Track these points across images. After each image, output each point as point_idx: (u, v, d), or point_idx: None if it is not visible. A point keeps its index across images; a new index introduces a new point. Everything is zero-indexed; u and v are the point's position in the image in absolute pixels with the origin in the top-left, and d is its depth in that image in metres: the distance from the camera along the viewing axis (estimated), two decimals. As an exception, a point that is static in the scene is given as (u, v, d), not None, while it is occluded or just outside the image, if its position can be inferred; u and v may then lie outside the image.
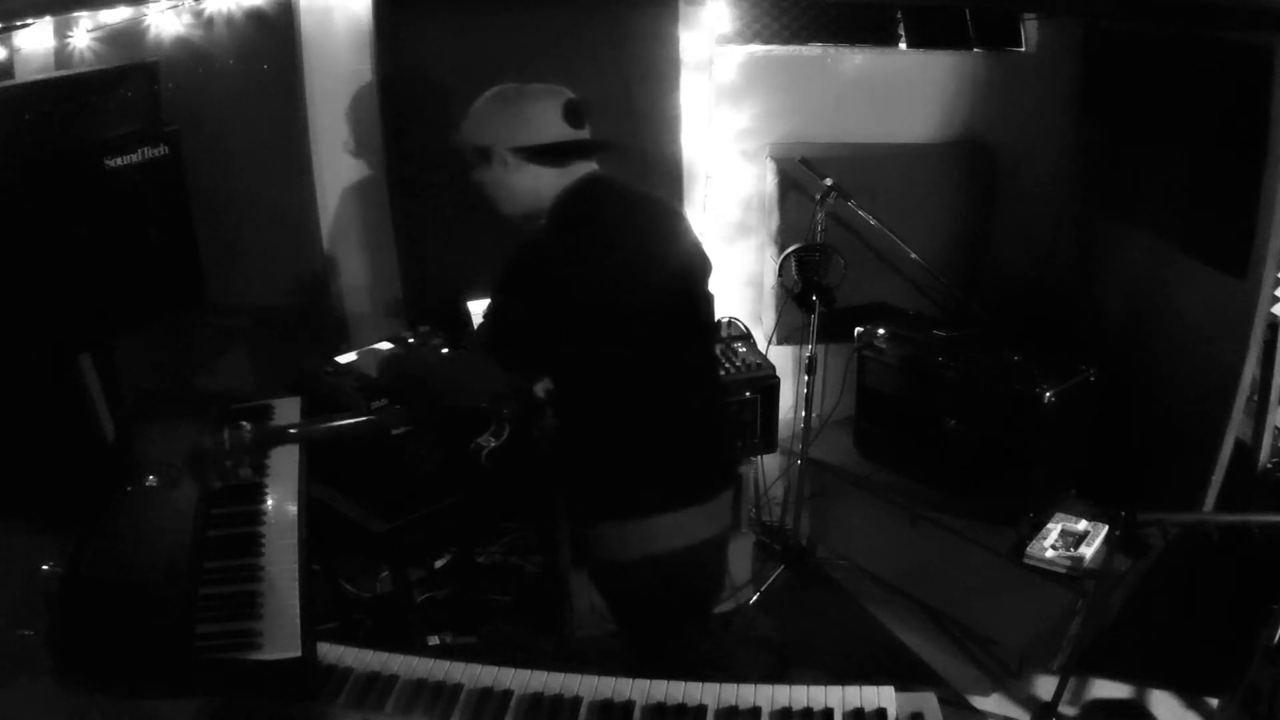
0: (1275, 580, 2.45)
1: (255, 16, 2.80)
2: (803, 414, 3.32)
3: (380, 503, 2.49)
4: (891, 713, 1.47)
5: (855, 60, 3.44)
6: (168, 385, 2.97)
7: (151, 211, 2.35)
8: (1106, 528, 2.85)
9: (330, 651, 1.57)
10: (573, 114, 1.92)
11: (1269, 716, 2.30)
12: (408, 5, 2.95)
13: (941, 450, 3.16)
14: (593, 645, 2.92)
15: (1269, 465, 2.84)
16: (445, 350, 2.63)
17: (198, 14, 2.69)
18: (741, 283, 3.62)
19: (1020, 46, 3.56)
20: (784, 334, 3.50)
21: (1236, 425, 2.84)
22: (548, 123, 1.90)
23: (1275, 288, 2.71)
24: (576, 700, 1.51)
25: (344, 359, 2.63)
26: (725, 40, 3.32)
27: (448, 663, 1.57)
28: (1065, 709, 2.68)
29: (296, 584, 1.61)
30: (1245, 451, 2.86)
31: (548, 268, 1.85)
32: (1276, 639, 2.31)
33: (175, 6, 2.64)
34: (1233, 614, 2.57)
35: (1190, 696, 2.73)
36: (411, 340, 2.76)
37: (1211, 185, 2.88)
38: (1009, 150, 3.58)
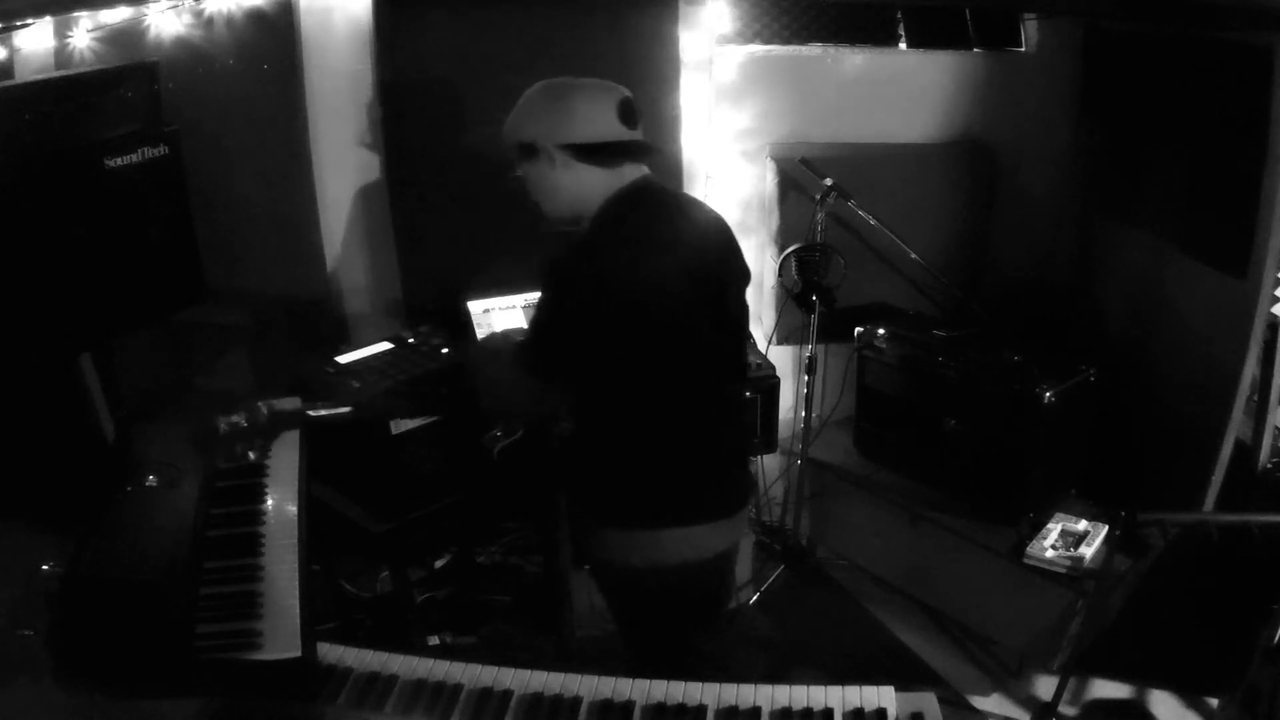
0: (1275, 580, 2.45)
1: (255, 16, 2.80)
2: (803, 414, 3.32)
3: (380, 503, 2.49)
4: (891, 713, 1.47)
5: (855, 60, 3.44)
6: (168, 385, 2.97)
7: (151, 211, 2.34)
8: (1106, 528, 2.85)
9: (330, 651, 1.57)
10: (627, 113, 1.83)
11: (1269, 716, 2.30)
12: (408, 5, 2.95)
13: (941, 450, 3.16)
14: (593, 645, 2.91)
15: (1269, 465, 2.85)
16: (447, 350, 2.63)
17: (198, 14, 2.69)
18: (742, 283, 3.62)
19: (1020, 46, 3.56)
20: (784, 334, 3.51)
21: (1236, 425, 2.84)
22: (602, 120, 1.80)
23: (1275, 288, 2.71)
24: (576, 700, 1.51)
25: (344, 359, 2.64)
26: (725, 40, 3.32)
27: (448, 663, 1.57)
28: (1065, 709, 2.68)
29: (296, 584, 1.61)
30: (1245, 451, 2.86)
31: (594, 273, 1.77)
32: (1276, 639, 2.31)
33: (175, 6, 2.64)
34: (1233, 614, 2.57)
35: (1190, 696, 2.73)
36: (412, 340, 2.76)
37: (1211, 185, 2.88)
38: (1009, 150, 3.58)
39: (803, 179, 3.34)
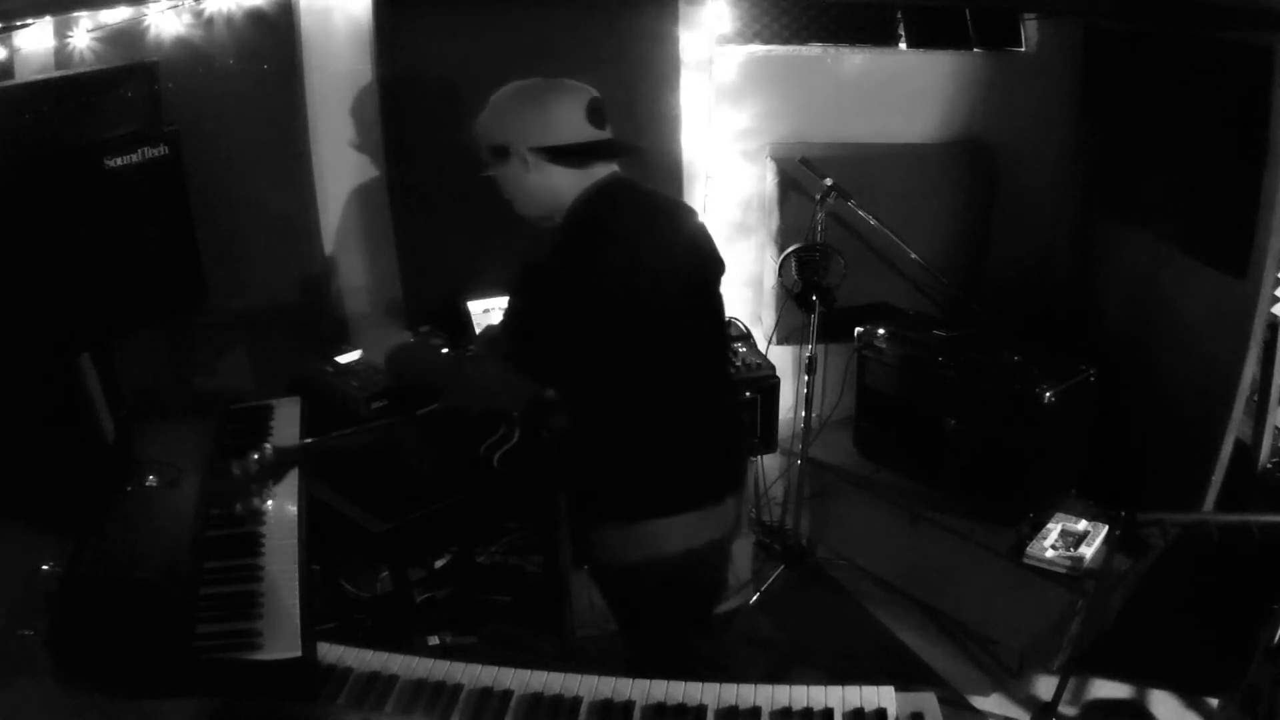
0: (1275, 580, 2.45)
1: (255, 16, 2.80)
2: (803, 414, 3.32)
3: (380, 503, 2.50)
4: (891, 713, 1.47)
5: (855, 60, 3.44)
6: (168, 385, 2.97)
7: (151, 211, 2.34)
8: (1106, 528, 2.85)
9: (330, 651, 1.57)
10: (596, 114, 1.86)
11: (1269, 716, 2.30)
12: (408, 5, 2.95)
13: (941, 450, 3.16)
14: (593, 645, 2.92)
15: (1269, 465, 2.85)
16: (446, 350, 2.63)
17: (198, 14, 2.69)
18: (741, 283, 3.62)
19: (1020, 46, 3.56)
20: (784, 334, 3.50)
21: (1236, 425, 2.84)
22: (571, 122, 1.83)
23: (1275, 288, 2.71)
24: (576, 700, 1.51)
25: (344, 359, 2.64)
26: (725, 40, 3.32)
27: (448, 663, 1.57)
28: (1065, 709, 2.68)
29: (296, 584, 1.61)
30: (1245, 451, 2.86)
31: (568, 269, 1.80)
32: (1276, 639, 2.31)
33: (175, 6, 2.64)
34: (1233, 614, 2.57)
35: (1190, 696, 2.73)
36: (412, 339, 2.76)
37: (1211, 185, 2.88)
38: (1009, 150, 3.58)
39: (803, 179, 3.34)
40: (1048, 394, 2.88)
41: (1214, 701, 2.70)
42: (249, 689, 1.43)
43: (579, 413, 2.00)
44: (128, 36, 2.57)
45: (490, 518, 3.37)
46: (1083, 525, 2.88)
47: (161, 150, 2.34)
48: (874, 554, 3.41)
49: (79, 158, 2.17)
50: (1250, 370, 2.78)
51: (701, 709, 1.50)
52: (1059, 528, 2.88)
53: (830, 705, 1.49)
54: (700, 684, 1.54)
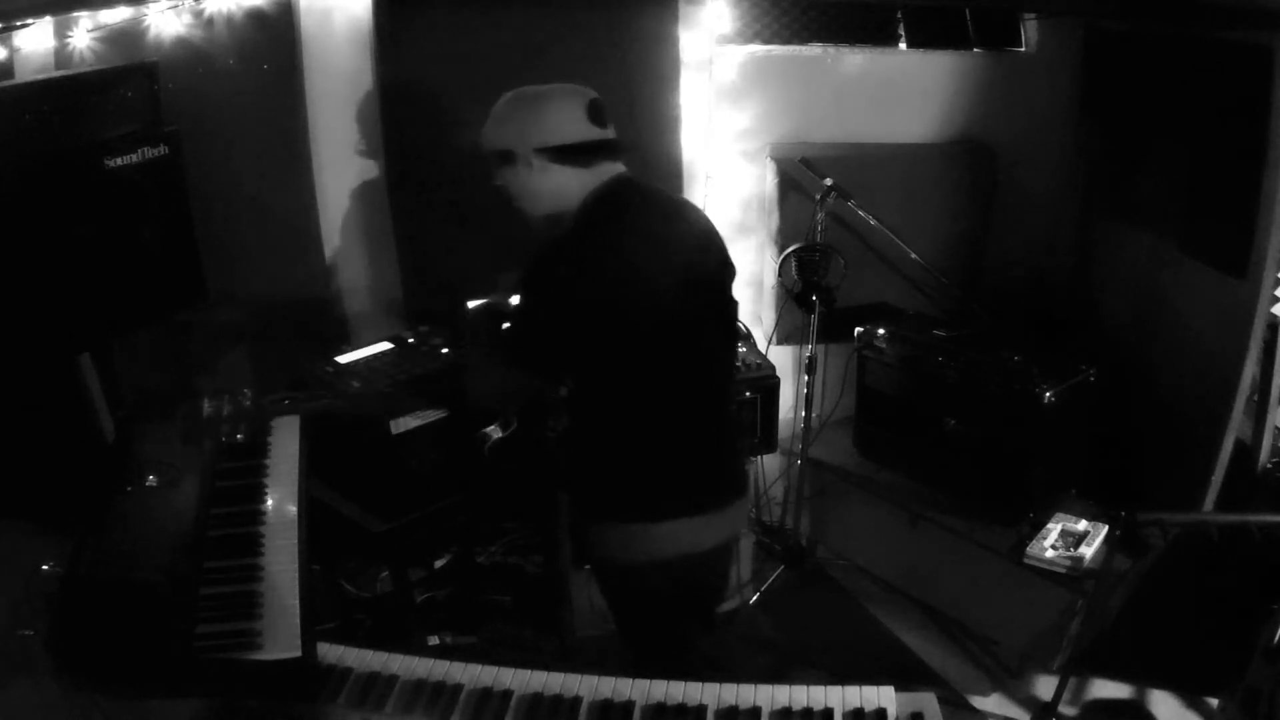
0: (1275, 580, 2.45)
1: (255, 16, 2.80)
2: (803, 414, 3.32)
3: (380, 503, 2.49)
4: (891, 713, 1.47)
5: (855, 60, 3.44)
6: (168, 385, 2.97)
7: (151, 211, 2.34)
8: (1106, 528, 2.85)
9: (330, 651, 1.57)
10: (596, 113, 1.89)
11: (1269, 716, 2.30)
12: (408, 5, 2.95)
13: (941, 450, 3.16)
14: (593, 645, 2.92)
15: (1269, 465, 2.85)
16: (447, 350, 2.63)
17: (198, 14, 2.69)
18: (741, 283, 3.57)
19: (1020, 46, 3.56)
20: (784, 334, 3.50)
21: (1236, 425, 2.84)
22: (571, 122, 1.86)
23: (1275, 288, 2.71)
24: (576, 700, 1.51)
25: (344, 359, 2.64)
26: (725, 40, 3.32)
27: (448, 663, 1.57)
28: (1065, 709, 2.68)
29: (296, 584, 1.61)
30: (1245, 451, 2.86)
31: (577, 270, 1.81)
32: (1276, 639, 2.31)
33: (175, 6, 2.64)
34: (1233, 614, 2.57)
35: (1190, 696, 2.73)
36: (412, 340, 2.76)
37: (1211, 185, 2.88)
38: (1009, 150, 3.58)
39: (803, 179, 3.34)
40: (1048, 394, 2.88)
41: (1214, 701, 2.70)
42: (249, 689, 1.42)
43: (585, 412, 1.99)
44: (128, 36, 2.57)
45: (490, 518, 3.37)
46: (1083, 525, 2.88)
47: (161, 150, 2.34)
48: (874, 554, 3.41)
49: (79, 158, 2.17)
50: (1250, 370, 2.78)
51: (701, 709, 1.50)
52: (1059, 528, 2.88)
53: (830, 705, 1.49)
54: (700, 684, 1.54)
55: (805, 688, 1.53)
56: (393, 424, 2.43)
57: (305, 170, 3.06)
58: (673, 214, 1.97)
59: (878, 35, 3.45)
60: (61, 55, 2.47)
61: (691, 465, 1.95)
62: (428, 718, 1.47)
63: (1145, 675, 2.78)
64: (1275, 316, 2.74)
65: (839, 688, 1.52)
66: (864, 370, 3.39)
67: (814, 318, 3.17)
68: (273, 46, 2.89)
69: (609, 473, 1.95)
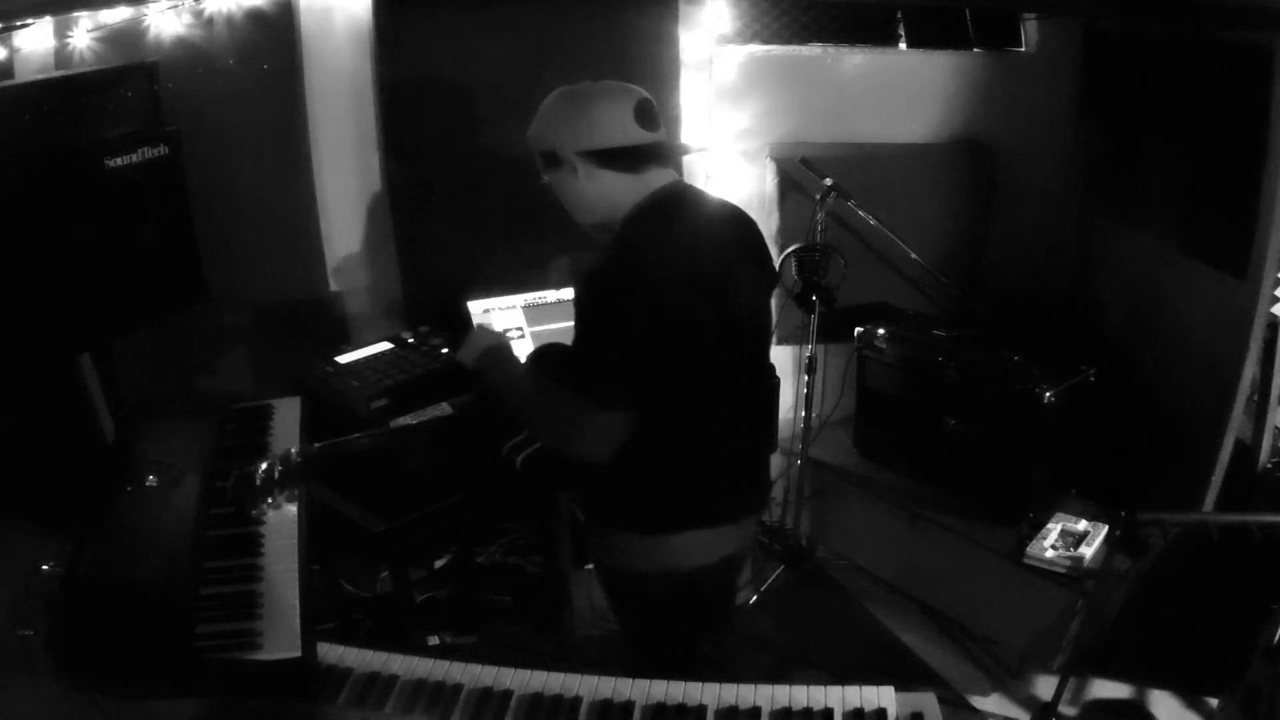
0: (1275, 580, 2.45)
1: (255, 16, 2.80)
2: (803, 414, 3.32)
3: (380, 503, 2.49)
4: (891, 713, 1.47)
5: (855, 60, 3.44)
6: (168, 385, 2.97)
7: (151, 211, 2.35)
8: (1106, 528, 2.85)
9: (330, 651, 1.57)
10: (645, 114, 1.77)
11: (1269, 716, 2.30)
12: (408, 5, 2.95)
13: (941, 450, 3.15)
14: (593, 645, 2.91)
15: (1269, 465, 2.84)
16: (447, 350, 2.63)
17: (198, 14, 2.69)
18: (741, 283, 3.62)
19: (1020, 46, 3.56)
20: (784, 334, 3.50)
21: (1236, 425, 2.84)
22: (619, 125, 1.74)
23: (1275, 288, 2.71)
24: (576, 700, 1.51)
25: (344, 359, 2.64)
26: (725, 40, 3.32)
27: (448, 663, 1.57)
28: (1065, 709, 2.68)
29: (296, 584, 1.60)
30: (1245, 451, 2.86)
31: (649, 284, 1.69)
32: (1276, 639, 2.31)
33: (175, 6, 2.64)
34: (1233, 614, 2.57)
35: (1190, 696, 2.73)
36: (412, 340, 2.76)
37: (1211, 185, 2.88)
38: (1009, 150, 3.58)
39: (803, 179, 3.34)
40: (1048, 394, 2.88)
41: (1214, 701, 2.69)
42: (249, 689, 1.42)
43: None
44: (128, 36, 2.57)
45: (490, 518, 3.37)
46: (1083, 525, 2.88)
47: (161, 150, 2.35)
48: (874, 554, 3.41)
49: (79, 158, 2.17)
50: (1250, 370, 2.78)
51: (701, 709, 1.50)
52: (1059, 528, 2.88)
53: (830, 705, 1.49)
54: (700, 684, 1.54)
55: (805, 688, 1.52)
56: (391, 423, 2.43)
57: (305, 170, 3.06)
58: (726, 225, 1.88)
59: (878, 35, 3.45)
60: (61, 55, 2.48)
61: (715, 477, 1.89)
62: (428, 718, 1.47)
63: (1145, 675, 2.78)
64: (1275, 316, 2.74)
65: (839, 688, 1.52)
66: (864, 370, 3.39)
67: (814, 318, 3.17)
68: (273, 46, 2.89)
69: (629, 481, 1.86)
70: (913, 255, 3.34)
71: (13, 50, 2.37)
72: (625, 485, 1.87)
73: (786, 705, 1.50)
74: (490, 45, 2.96)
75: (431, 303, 3.10)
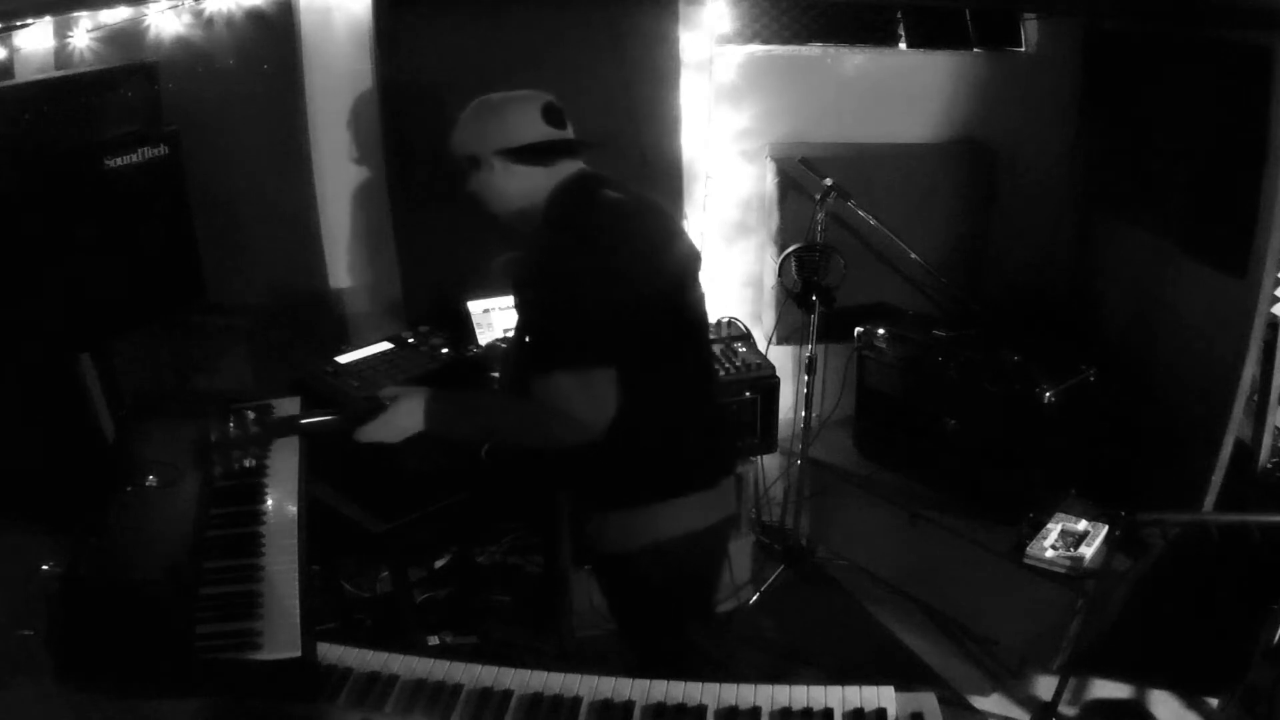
0: (1275, 580, 2.45)
1: (255, 16, 2.80)
2: (803, 414, 3.32)
3: (380, 503, 2.49)
4: (891, 713, 1.47)
5: (855, 60, 3.44)
6: (168, 385, 2.97)
7: (151, 211, 2.35)
8: (1106, 528, 2.85)
9: (330, 651, 1.57)
10: (552, 114, 1.97)
11: (1269, 716, 2.30)
12: (408, 5, 2.95)
13: (941, 450, 3.16)
14: (593, 645, 2.92)
15: (1269, 465, 2.84)
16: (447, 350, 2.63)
17: (198, 14, 2.69)
18: (741, 283, 3.62)
19: (1020, 46, 3.56)
20: (784, 334, 3.50)
21: (1236, 425, 2.84)
22: (528, 124, 1.94)
23: (1275, 288, 2.71)
24: (576, 700, 1.51)
25: (344, 359, 2.64)
26: (725, 40, 3.32)
27: (448, 663, 1.57)
28: (1065, 709, 2.68)
29: (296, 584, 1.60)
30: (1245, 451, 2.86)
31: (564, 262, 1.85)
32: (1276, 639, 2.31)
33: (175, 6, 2.64)
34: (1233, 614, 2.57)
35: (1190, 696, 2.73)
36: (412, 340, 2.76)
37: (1211, 185, 2.88)
38: (1009, 150, 3.58)
39: (803, 179, 3.34)
40: (1048, 394, 2.88)
41: (1214, 701, 2.70)
42: (249, 689, 1.42)
43: None
44: (128, 36, 2.57)
45: (490, 518, 3.37)
46: (1083, 525, 2.88)
47: (161, 150, 2.34)
48: (874, 554, 3.41)
49: (79, 158, 2.17)
50: (1250, 370, 2.78)
51: (701, 709, 1.50)
52: (1059, 528, 2.88)
53: (830, 705, 1.49)
54: (700, 684, 1.54)
55: (805, 688, 1.53)
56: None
57: (305, 170, 3.06)
58: (633, 204, 2.02)
59: (877, 35, 3.45)
60: (61, 55, 2.48)
61: (681, 445, 1.99)
62: (428, 718, 1.47)
63: (1145, 675, 2.78)
64: (1275, 316, 2.74)
65: (839, 688, 1.52)
66: (864, 370, 3.39)
67: (814, 318, 3.18)
68: (273, 46, 2.89)
69: (603, 458, 1.94)
70: (913, 255, 3.34)
71: (13, 50, 2.37)
72: (601, 462, 1.94)
73: (786, 705, 1.50)
74: (490, 45, 2.96)
75: (431, 303, 3.10)
